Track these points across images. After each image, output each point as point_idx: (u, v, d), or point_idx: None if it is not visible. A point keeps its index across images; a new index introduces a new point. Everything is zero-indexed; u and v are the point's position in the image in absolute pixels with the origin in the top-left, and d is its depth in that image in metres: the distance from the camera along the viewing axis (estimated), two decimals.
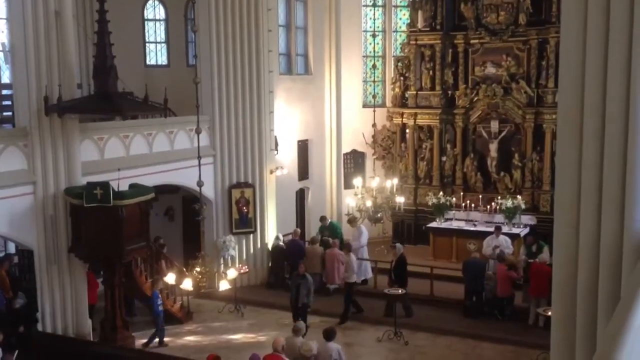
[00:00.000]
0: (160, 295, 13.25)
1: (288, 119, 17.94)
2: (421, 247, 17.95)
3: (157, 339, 13.16)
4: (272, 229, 16.85)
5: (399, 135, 19.52)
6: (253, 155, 16.34)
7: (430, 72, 18.72)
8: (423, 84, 18.87)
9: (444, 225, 17.73)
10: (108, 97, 12.36)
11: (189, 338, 13.75)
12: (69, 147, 12.22)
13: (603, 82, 5.55)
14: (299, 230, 17.04)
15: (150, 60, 18.84)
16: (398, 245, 15.09)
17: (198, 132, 11.55)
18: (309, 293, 13.35)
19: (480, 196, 17.93)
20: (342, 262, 14.92)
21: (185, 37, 18.47)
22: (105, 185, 11.79)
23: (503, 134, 18.16)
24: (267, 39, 16.21)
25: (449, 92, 18.64)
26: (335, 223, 17.72)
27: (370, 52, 19.95)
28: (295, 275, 13.78)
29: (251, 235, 16.44)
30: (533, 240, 15.05)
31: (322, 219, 17.22)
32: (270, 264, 16.55)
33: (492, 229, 15.95)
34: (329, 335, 10.27)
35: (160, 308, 13.16)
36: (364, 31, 20.41)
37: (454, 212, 17.84)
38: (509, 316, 14.00)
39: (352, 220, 16.39)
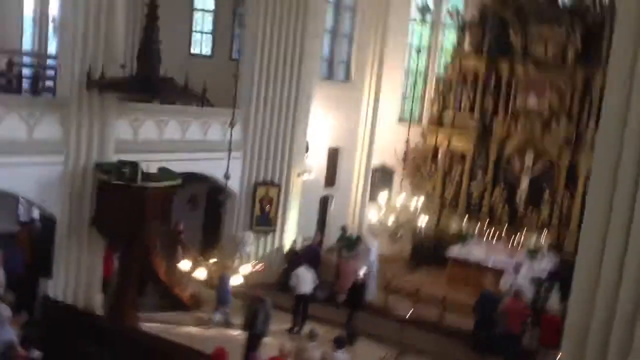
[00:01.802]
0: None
1: (322, 124, 17.94)
2: (437, 272, 17.74)
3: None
4: (292, 231, 16.88)
5: (430, 155, 19.40)
6: (283, 155, 16.37)
7: (471, 96, 18.61)
8: (462, 107, 18.76)
9: (463, 253, 17.46)
10: (149, 80, 12.48)
11: (193, 328, 13.80)
12: (105, 123, 12.38)
13: None
14: (320, 235, 16.99)
15: (195, 49, 19.01)
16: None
17: (232, 125, 11.61)
18: (267, 320, 12.55)
19: (505, 229, 17.72)
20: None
21: (232, 30, 18.60)
22: (134, 165, 11.91)
23: (536, 168, 17.96)
24: (312, 43, 16.26)
25: (487, 118, 18.49)
26: (354, 237, 17.56)
27: (413, 68, 19.86)
28: (254, 299, 12.85)
29: (270, 234, 16.48)
30: (545, 279, 14.90)
31: (343, 228, 17.18)
32: (285, 266, 16.56)
33: (512, 265, 15.73)
34: (339, 343, 10.22)
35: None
36: (409, 46, 20.36)
37: (475, 241, 17.65)
38: (517, 356, 13.73)
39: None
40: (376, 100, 19.53)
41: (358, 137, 19.45)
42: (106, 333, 11.31)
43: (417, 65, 19.80)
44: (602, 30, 16.91)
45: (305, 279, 14.22)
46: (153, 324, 13.04)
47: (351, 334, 13.50)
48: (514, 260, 16.32)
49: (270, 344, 12.46)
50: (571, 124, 17.47)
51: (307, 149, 17.16)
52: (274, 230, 16.47)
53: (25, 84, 15.65)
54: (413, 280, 17.10)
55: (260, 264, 15.24)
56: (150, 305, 14.04)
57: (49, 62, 16.27)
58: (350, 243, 16.79)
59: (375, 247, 16.47)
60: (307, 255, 15.77)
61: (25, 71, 16.35)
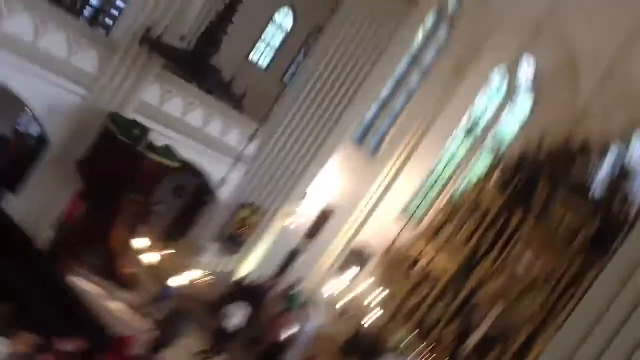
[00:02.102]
0: None
1: (330, 180, 17.86)
2: None
3: None
4: (252, 264, 16.59)
5: (412, 260, 19.25)
6: (281, 191, 16.21)
7: (472, 228, 18.57)
8: (460, 233, 18.72)
9: None
10: (199, 62, 12.54)
11: (120, 305, 13.47)
12: (139, 81, 12.37)
13: None
14: (274, 282, 16.71)
15: (253, 56, 19.18)
16: None
17: (251, 139, 11.60)
18: (179, 332, 12.27)
19: None
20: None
21: (295, 56, 18.78)
22: (144, 131, 11.86)
23: (497, 324, 17.79)
24: (360, 103, 16.31)
25: (477, 256, 18.37)
26: (297, 296, 16.98)
27: (438, 170, 19.97)
28: (181, 308, 12.69)
29: (232, 256, 16.20)
30: None
31: (293, 289, 16.81)
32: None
33: None
34: None
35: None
36: (443, 149, 20.43)
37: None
38: None
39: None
40: (389, 185, 19.48)
41: (356, 210, 19.31)
42: (39, 269, 11.03)
43: (443, 171, 19.89)
44: (619, 229, 17.06)
45: (234, 315, 13.86)
46: (86, 285, 12.73)
47: None
48: None
49: (173, 354, 12.14)
50: (548, 302, 17.37)
51: (303, 197, 17.07)
52: (236, 253, 16.23)
53: (88, 12, 15.71)
54: None
55: (209, 278, 15.10)
56: (91, 265, 13.71)
57: (119, 2, 16.37)
58: (293, 302, 16.44)
59: (315, 321, 16.07)
60: (251, 293, 15.41)
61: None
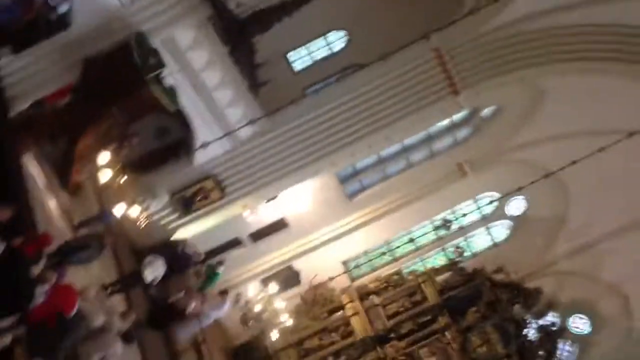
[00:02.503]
0: None
1: (300, 195, 18.07)
2: None
3: None
4: (193, 233, 16.71)
5: (331, 307, 19.43)
6: (254, 181, 16.30)
7: (400, 308, 18.85)
8: (389, 306, 18.96)
9: None
10: (241, 34, 12.87)
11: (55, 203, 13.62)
12: (181, 17, 12.64)
13: None
14: (202, 256, 16.76)
15: (291, 56, 19.58)
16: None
17: (251, 122, 11.88)
18: (90, 256, 11.99)
19: None
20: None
21: (328, 76, 19.15)
22: (160, 64, 12.12)
23: None
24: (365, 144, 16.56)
25: (392, 334, 18.63)
26: (219, 275, 16.69)
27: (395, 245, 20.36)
28: (99, 234, 12.46)
29: (179, 217, 16.32)
30: None
31: (219, 263, 16.80)
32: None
33: None
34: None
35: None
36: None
37: None
38: None
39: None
40: (348, 232, 19.77)
41: (309, 236, 19.55)
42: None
43: (400, 247, 20.26)
44: None
45: (153, 268, 13.95)
46: (35, 170, 12.89)
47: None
48: None
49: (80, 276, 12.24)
50: None
51: (272, 199, 17.30)
52: (182, 217, 16.36)
53: None
54: None
55: (146, 222, 15.23)
56: (49, 155, 13.79)
57: None
58: (210, 281, 16.35)
59: (223, 309, 16.19)
60: (178, 258, 15.53)
61: None
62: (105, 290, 13.75)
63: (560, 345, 19.16)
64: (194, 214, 16.32)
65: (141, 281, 14.12)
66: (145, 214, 15.10)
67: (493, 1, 12.27)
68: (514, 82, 16.42)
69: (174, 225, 16.41)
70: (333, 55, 19.60)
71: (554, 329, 18.73)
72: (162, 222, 16.19)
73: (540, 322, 18.65)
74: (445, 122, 19.01)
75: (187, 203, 16.26)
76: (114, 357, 10.55)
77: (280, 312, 17.53)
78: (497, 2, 12.64)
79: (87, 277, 12.34)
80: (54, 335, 9.78)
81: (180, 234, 16.60)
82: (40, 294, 9.60)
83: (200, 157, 15.61)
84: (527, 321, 18.54)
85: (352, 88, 15.98)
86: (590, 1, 14.48)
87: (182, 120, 15.17)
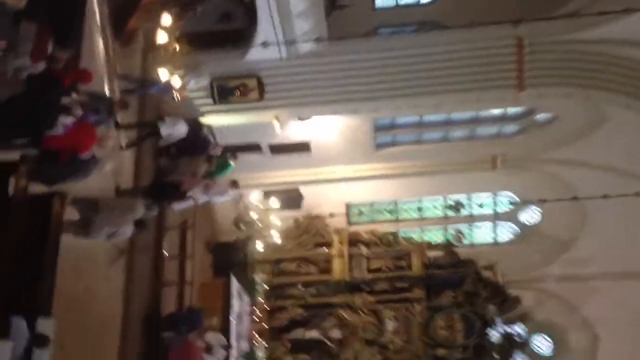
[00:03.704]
0: None
1: (330, 127, 18.07)
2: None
3: None
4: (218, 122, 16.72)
5: (318, 240, 19.74)
6: (295, 96, 16.18)
7: (383, 267, 19.15)
8: (372, 260, 19.25)
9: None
10: None
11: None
12: None
13: None
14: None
15: None
16: None
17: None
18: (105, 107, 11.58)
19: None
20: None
21: (407, 22, 18.66)
22: None
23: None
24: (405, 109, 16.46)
25: (366, 287, 18.99)
26: (230, 167, 16.31)
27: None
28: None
29: (212, 103, 16.27)
30: None
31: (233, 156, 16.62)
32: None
33: None
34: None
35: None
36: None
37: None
38: None
39: None
40: (362, 179, 19.76)
41: (325, 169, 19.47)
42: None
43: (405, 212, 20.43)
44: None
45: (173, 124, 13.92)
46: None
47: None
48: None
49: None
50: None
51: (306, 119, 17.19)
52: (217, 105, 16.26)
53: None
54: None
55: (183, 96, 15.09)
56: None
57: None
58: (220, 170, 16.22)
59: (226, 196, 16.19)
60: (199, 138, 15.45)
61: None
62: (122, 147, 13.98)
63: (516, 356, 19.48)
64: (227, 106, 16.27)
65: (157, 133, 14.18)
66: (183, 89, 15.14)
67: (598, 14, 11.77)
68: (580, 98, 16.03)
69: (204, 109, 16.40)
70: (418, 5, 19.00)
71: (517, 339, 19.01)
72: (196, 102, 16.16)
73: (507, 328, 18.91)
74: (498, 111, 18.66)
75: (225, 93, 16.18)
76: (122, 235, 10.93)
77: (273, 227, 17.79)
78: (602, 15, 12.14)
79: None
80: (61, 169, 9.98)
81: (206, 120, 16.63)
82: (62, 124, 9.70)
83: (254, 55, 15.44)
84: (496, 323, 18.80)
85: (424, 44, 15.60)
86: None
87: (249, 12, 14.95)
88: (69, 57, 9.98)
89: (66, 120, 9.69)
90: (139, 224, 10.98)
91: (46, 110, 9.49)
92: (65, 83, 10.04)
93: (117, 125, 12.69)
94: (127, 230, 10.84)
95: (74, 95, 10.33)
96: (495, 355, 18.71)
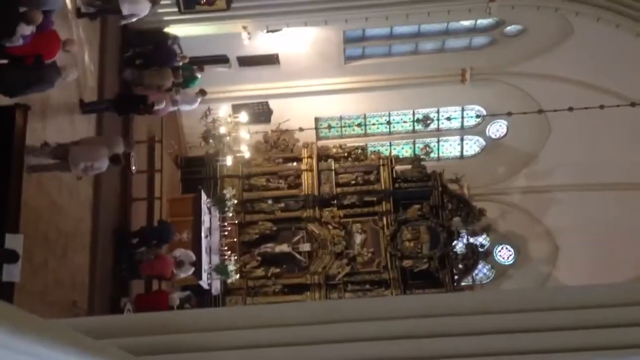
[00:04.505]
0: None
1: (299, 39, 17.66)
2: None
3: None
4: (184, 33, 16.15)
5: (288, 153, 19.73)
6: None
7: (351, 180, 19.32)
8: (341, 175, 19.35)
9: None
10: None
11: None
12: None
13: None
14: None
15: None
16: None
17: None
18: None
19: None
20: None
21: None
22: None
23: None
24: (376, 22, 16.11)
25: (333, 201, 19.23)
26: (197, 79, 15.99)
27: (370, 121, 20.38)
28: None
29: (178, 12, 15.64)
30: None
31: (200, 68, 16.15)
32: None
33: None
34: None
35: None
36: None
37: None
38: None
39: None
40: (330, 92, 19.54)
41: (293, 82, 19.16)
42: None
43: (374, 125, 20.37)
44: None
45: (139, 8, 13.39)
46: None
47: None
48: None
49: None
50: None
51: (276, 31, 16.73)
52: (183, 14, 15.66)
53: None
54: None
55: None
56: None
57: None
58: (187, 83, 15.85)
59: (193, 105, 15.86)
60: (165, 48, 15.09)
61: None
62: None
63: (480, 265, 20.18)
64: (193, 15, 15.70)
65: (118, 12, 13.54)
66: None
67: None
68: (550, 10, 15.90)
69: (169, 18, 15.80)
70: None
71: (481, 250, 19.60)
72: (160, 10, 15.51)
73: (472, 239, 19.44)
74: (467, 23, 18.43)
75: (190, 1, 15.58)
76: (98, 170, 10.93)
77: (242, 142, 17.64)
78: None
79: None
80: (25, 76, 9.62)
81: (172, 30, 16.06)
82: (22, 34, 9.30)
83: None
84: (460, 235, 19.31)
85: None
86: None
87: None
88: None
89: (27, 29, 9.29)
90: (115, 159, 11.00)
91: (3, 20, 9.06)
92: None
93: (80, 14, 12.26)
94: (103, 164, 10.84)
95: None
96: (460, 265, 19.30)
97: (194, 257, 14.84)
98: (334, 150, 19.85)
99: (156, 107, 13.95)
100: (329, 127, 20.87)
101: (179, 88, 15.07)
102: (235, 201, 18.22)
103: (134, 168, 13.98)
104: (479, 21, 18.28)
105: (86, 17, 13.08)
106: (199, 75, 15.61)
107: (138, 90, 14.67)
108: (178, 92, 14.84)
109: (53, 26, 10.02)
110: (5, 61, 9.21)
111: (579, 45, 17.36)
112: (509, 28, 18.50)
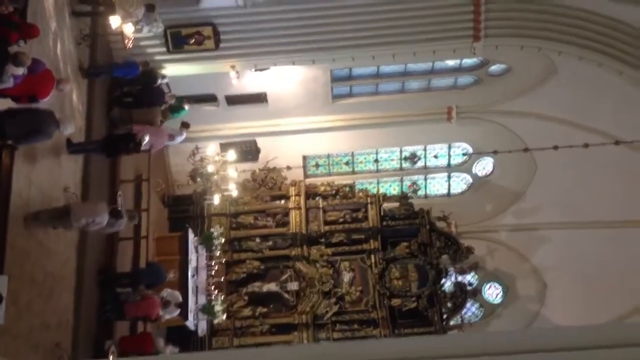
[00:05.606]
0: None
1: (288, 78, 17.86)
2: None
3: None
4: (172, 72, 16.26)
5: (276, 193, 19.70)
6: (252, 45, 15.83)
7: (340, 219, 19.31)
8: (329, 213, 19.33)
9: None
10: None
11: None
12: None
13: None
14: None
15: None
16: None
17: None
18: None
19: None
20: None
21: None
22: None
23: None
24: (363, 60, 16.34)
25: (322, 240, 19.15)
26: (185, 111, 16.35)
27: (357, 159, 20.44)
28: None
29: (166, 52, 15.80)
30: None
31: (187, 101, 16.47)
32: None
33: None
34: None
35: None
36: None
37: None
38: None
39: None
40: (318, 131, 19.66)
41: (283, 120, 19.23)
42: None
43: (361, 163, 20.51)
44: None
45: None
46: None
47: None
48: None
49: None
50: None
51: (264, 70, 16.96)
52: (171, 53, 15.79)
53: None
54: None
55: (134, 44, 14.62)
56: None
57: None
58: (174, 113, 16.08)
59: (178, 140, 15.87)
60: (153, 87, 15.17)
61: None
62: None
63: (468, 304, 20.07)
64: (181, 55, 15.82)
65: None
66: (134, 35, 14.54)
67: None
68: (534, 50, 16.19)
69: (158, 58, 15.92)
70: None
71: (469, 288, 19.53)
72: (149, 50, 15.66)
73: (460, 278, 19.38)
74: (453, 63, 18.72)
75: (180, 41, 15.71)
76: (99, 225, 11.19)
77: (230, 180, 17.63)
78: None
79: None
80: (21, 124, 9.66)
81: (161, 70, 16.15)
82: (12, 75, 9.33)
83: (209, 2, 15.01)
84: (449, 273, 19.24)
85: None
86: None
87: None
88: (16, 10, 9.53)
89: (15, 72, 9.35)
90: (115, 212, 11.44)
91: None
92: (12, 38, 9.62)
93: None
94: (104, 219, 11.13)
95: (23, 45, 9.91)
96: (448, 304, 19.19)
97: (180, 298, 14.66)
98: (322, 188, 19.87)
99: (141, 141, 13.89)
100: (317, 165, 20.95)
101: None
102: (223, 239, 18.11)
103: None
104: (464, 61, 18.56)
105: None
106: (186, 107, 15.78)
107: (126, 128, 14.65)
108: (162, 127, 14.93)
109: (46, 66, 10.06)
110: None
111: (563, 84, 17.63)
112: (493, 67, 18.81)
